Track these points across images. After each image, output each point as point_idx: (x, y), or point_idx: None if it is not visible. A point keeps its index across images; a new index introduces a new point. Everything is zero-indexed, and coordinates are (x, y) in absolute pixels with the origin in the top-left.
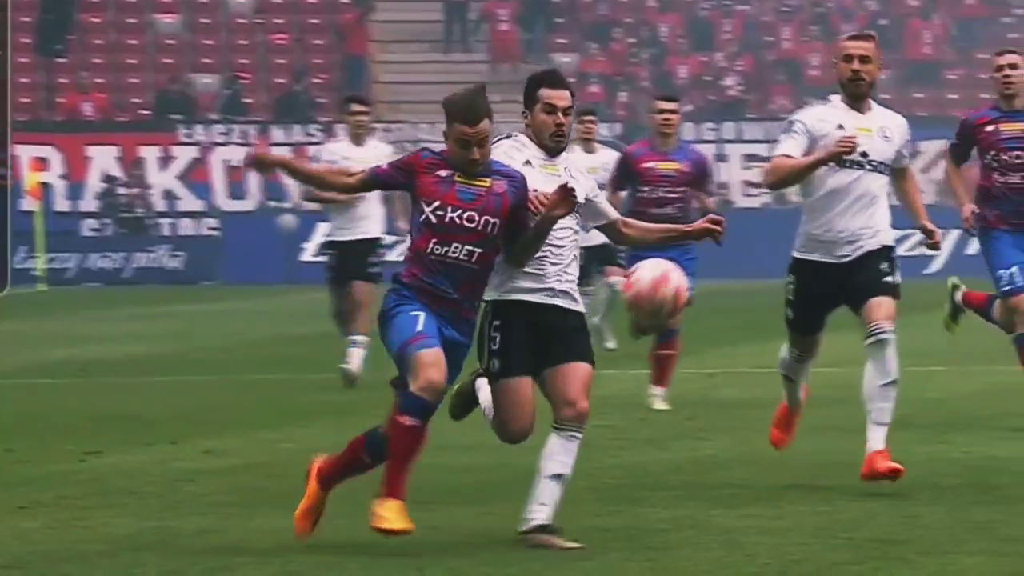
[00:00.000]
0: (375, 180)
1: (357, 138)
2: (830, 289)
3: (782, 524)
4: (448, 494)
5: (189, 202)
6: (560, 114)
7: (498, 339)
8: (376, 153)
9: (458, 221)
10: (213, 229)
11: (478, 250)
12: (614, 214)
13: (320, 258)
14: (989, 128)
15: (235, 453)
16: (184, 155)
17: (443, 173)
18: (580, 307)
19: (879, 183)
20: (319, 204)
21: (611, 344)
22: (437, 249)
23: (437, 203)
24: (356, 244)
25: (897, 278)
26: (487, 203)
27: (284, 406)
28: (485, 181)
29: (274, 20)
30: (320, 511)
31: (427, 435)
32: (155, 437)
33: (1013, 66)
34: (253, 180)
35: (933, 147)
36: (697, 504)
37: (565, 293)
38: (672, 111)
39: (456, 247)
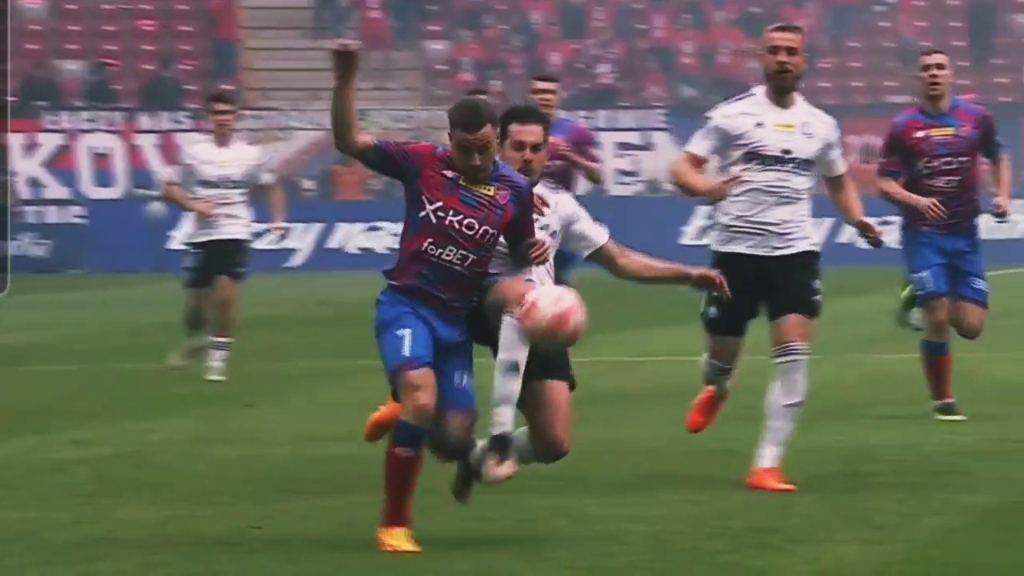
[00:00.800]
0: (377, 155)
1: (221, 138)
2: (756, 282)
3: (657, 513)
4: (318, 484)
5: (55, 190)
6: (528, 150)
7: None
8: (241, 155)
9: (457, 226)
10: (79, 217)
11: (472, 256)
12: (602, 238)
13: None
14: (920, 134)
15: (102, 443)
16: (49, 142)
17: (450, 174)
18: None
19: (801, 182)
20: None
21: None
22: (432, 250)
23: (440, 204)
24: (222, 244)
25: (821, 296)
26: (488, 214)
27: (151, 396)
28: (489, 190)
29: (141, 6)
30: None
31: (423, 459)
32: (21, 427)
33: (940, 66)
34: (120, 168)
35: None
36: (573, 494)
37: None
38: (550, 91)
39: (451, 250)
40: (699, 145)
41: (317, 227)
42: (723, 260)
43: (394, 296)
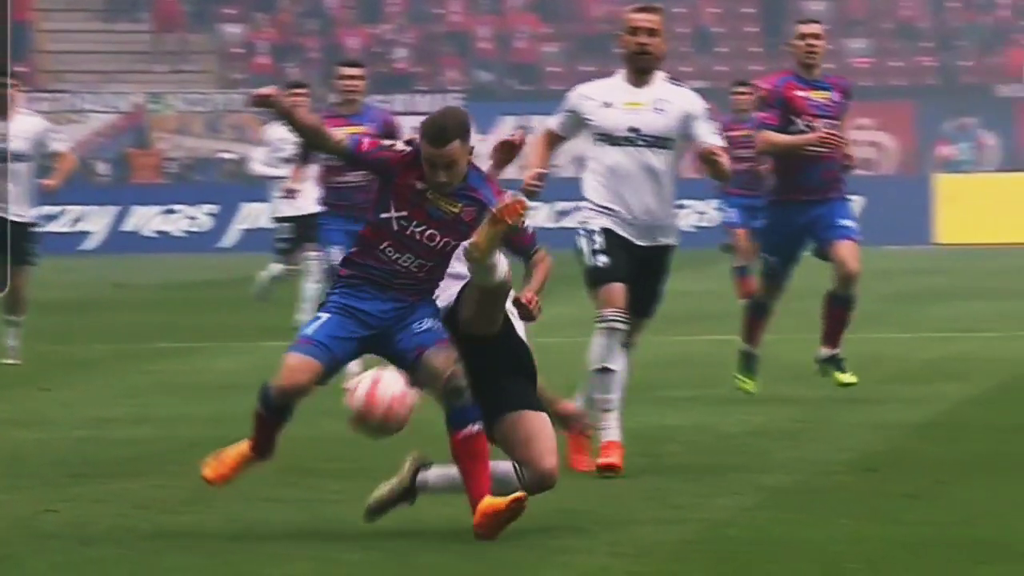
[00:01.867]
0: (352, 157)
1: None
2: (628, 256)
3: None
4: (113, 466)
5: None
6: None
7: None
8: (25, 126)
9: (419, 237)
10: None
11: (429, 264)
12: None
13: None
14: (800, 94)
15: None
16: None
17: (419, 185)
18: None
19: (659, 159)
20: None
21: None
22: (389, 252)
23: (404, 214)
24: (13, 226)
25: (661, 299)
26: (452, 228)
27: None
28: (456, 206)
29: None
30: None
31: (277, 420)
32: None
33: (816, 36)
34: None
35: None
36: (376, 474)
37: None
38: (357, 76)
39: (408, 258)
40: (554, 121)
41: (112, 210)
42: (602, 225)
43: (348, 282)
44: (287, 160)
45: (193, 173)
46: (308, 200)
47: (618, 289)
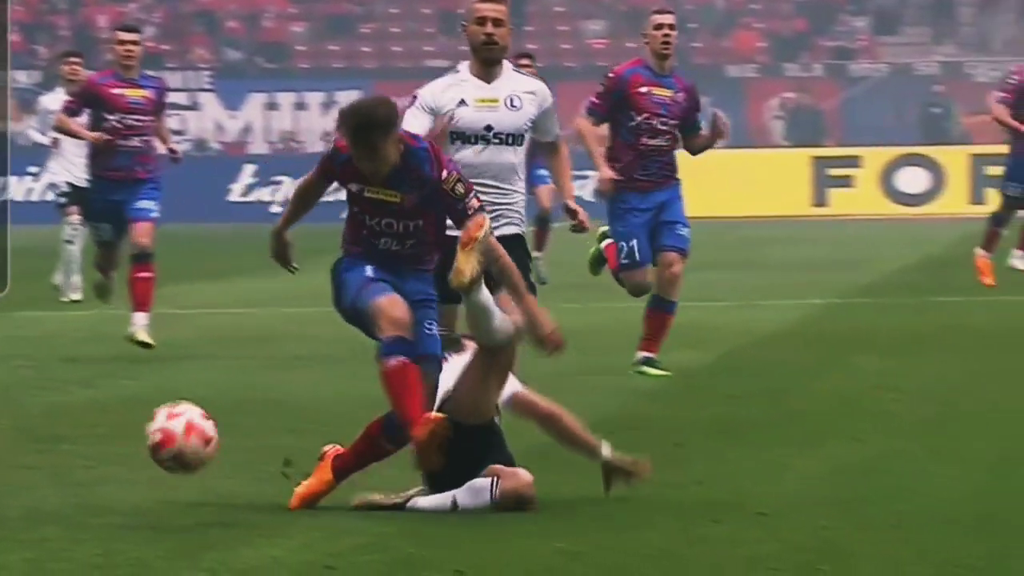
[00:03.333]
0: (326, 184)
1: None
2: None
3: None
4: None
5: None
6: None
7: None
8: None
9: (379, 228)
10: None
11: (410, 241)
12: None
13: None
14: (643, 89)
15: None
16: None
17: (354, 187)
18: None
19: (510, 155)
20: None
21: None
22: (370, 238)
23: (357, 208)
24: None
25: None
26: (404, 214)
27: None
28: (394, 195)
29: None
30: (320, 499)
31: (415, 367)
32: None
33: (672, 26)
34: None
35: (350, 96)
36: (124, 441)
37: None
38: (133, 42)
39: (386, 241)
40: (414, 124)
41: None
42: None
43: (351, 256)
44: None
45: None
46: (79, 168)
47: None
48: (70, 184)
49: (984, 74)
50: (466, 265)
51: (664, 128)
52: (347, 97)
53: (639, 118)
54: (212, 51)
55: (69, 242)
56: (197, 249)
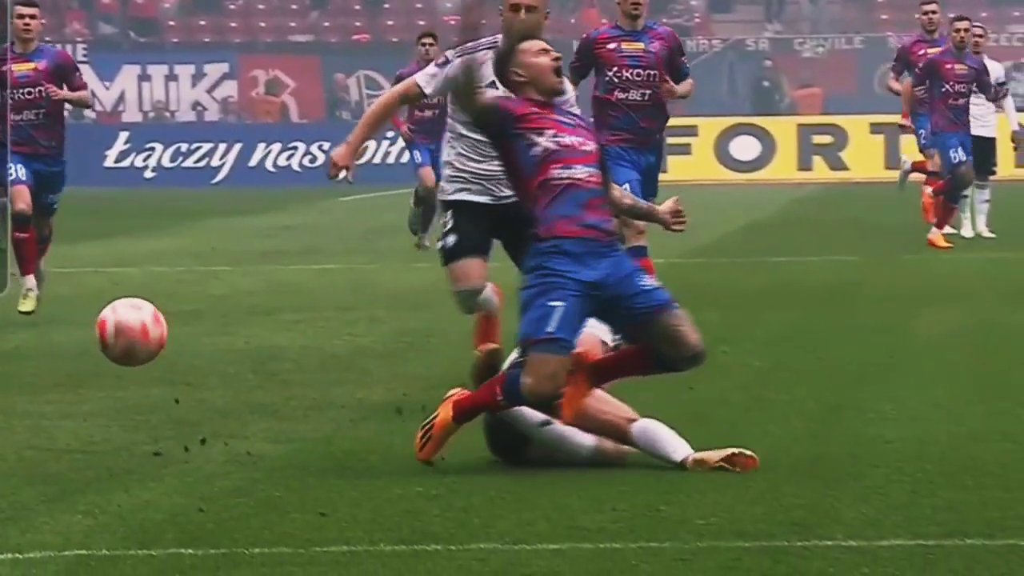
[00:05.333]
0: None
1: None
2: (489, 222)
3: (84, 409)
4: None
5: None
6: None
7: None
8: None
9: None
10: None
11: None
12: None
13: None
14: (611, 45)
15: None
16: None
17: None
18: None
19: None
20: None
21: None
22: (559, 175)
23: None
24: None
25: None
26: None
27: None
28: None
29: None
30: (445, 441)
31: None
32: None
33: None
34: None
35: (218, 69)
36: (2, 393)
37: None
38: (31, 16)
39: (578, 168)
40: (428, 81)
41: None
42: (455, 205)
43: (556, 257)
44: None
45: None
46: None
47: (468, 264)
48: None
49: (811, 50)
50: None
51: (639, 81)
52: (215, 69)
53: (610, 72)
54: (87, 26)
55: None
56: (76, 212)
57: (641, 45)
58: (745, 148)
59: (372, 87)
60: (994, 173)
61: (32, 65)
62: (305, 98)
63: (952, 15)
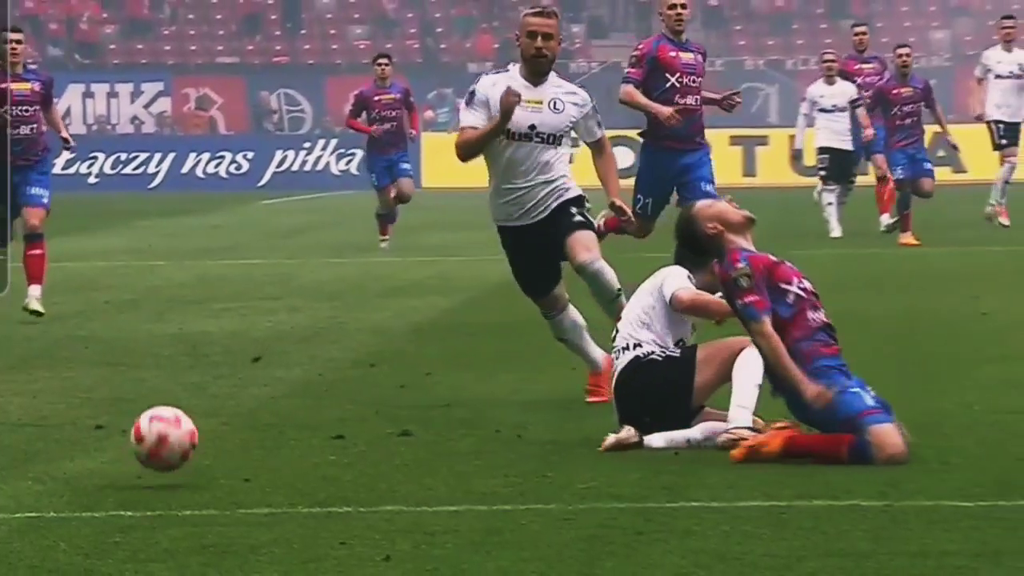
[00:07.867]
0: None
1: None
2: (535, 243)
3: (34, 387)
4: None
5: None
6: None
7: None
8: None
9: None
10: None
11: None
12: None
13: None
14: (672, 54)
15: None
16: None
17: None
18: None
19: (552, 153)
20: None
21: None
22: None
23: None
24: None
25: (587, 215)
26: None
27: None
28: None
29: None
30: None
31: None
32: None
33: (684, 5)
34: None
35: (154, 87)
36: None
37: None
38: (18, 41)
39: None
40: (471, 118)
41: None
42: (504, 232)
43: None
44: None
45: None
46: None
47: (542, 302)
48: None
49: None
50: None
51: (695, 86)
52: (151, 88)
53: (673, 78)
54: (37, 48)
55: None
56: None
57: (691, 55)
58: (620, 158)
59: (291, 103)
60: (853, 182)
61: (29, 85)
62: (231, 113)
63: (894, 42)
